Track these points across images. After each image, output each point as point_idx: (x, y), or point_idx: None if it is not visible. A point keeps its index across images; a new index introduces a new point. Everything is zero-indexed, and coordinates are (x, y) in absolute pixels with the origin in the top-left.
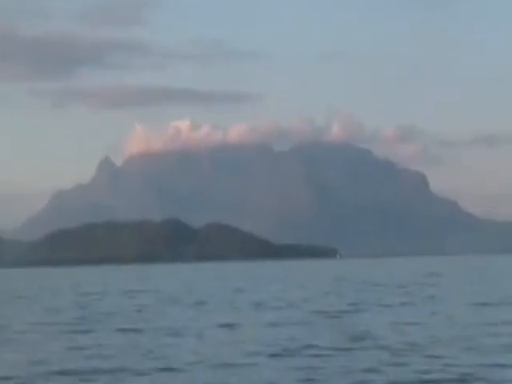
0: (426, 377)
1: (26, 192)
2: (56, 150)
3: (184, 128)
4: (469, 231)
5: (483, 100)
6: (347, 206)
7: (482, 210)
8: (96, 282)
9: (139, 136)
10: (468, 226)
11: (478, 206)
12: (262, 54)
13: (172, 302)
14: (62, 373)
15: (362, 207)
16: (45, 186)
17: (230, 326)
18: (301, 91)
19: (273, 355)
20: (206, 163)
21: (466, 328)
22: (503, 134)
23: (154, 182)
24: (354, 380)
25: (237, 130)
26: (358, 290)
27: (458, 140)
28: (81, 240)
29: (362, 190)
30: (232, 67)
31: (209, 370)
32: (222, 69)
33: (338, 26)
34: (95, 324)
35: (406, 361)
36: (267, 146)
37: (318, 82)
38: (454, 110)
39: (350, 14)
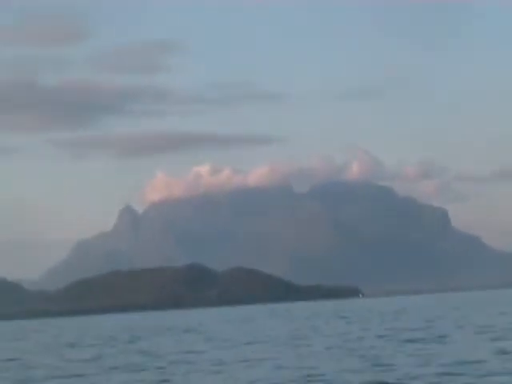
0: None
1: (48, 242)
2: (78, 199)
3: (204, 173)
4: (492, 266)
5: (504, 135)
6: (370, 245)
7: (505, 244)
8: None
9: (160, 183)
10: (491, 261)
11: (501, 241)
12: (281, 95)
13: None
14: None
15: (384, 245)
16: (67, 236)
17: None
18: (320, 131)
19: None
20: (226, 207)
21: None
22: None
23: (175, 228)
24: None
25: (257, 172)
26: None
27: (479, 175)
28: (104, 288)
29: (384, 228)
30: (251, 110)
31: None
32: (241, 112)
33: (356, 65)
34: None
35: None
36: (287, 187)
37: (338, 122)
38: (475, 146)
39: (368, 52)
